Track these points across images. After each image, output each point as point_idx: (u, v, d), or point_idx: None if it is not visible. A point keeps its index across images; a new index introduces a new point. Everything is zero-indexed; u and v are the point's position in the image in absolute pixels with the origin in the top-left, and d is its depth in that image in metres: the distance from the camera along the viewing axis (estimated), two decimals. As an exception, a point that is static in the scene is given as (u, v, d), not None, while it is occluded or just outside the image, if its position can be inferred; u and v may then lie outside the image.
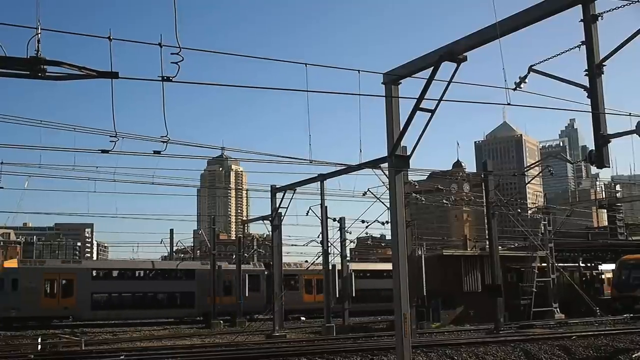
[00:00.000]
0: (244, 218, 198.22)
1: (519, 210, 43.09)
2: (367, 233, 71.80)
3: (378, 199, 31.17)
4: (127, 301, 43.36)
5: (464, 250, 48.93)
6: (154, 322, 42.69)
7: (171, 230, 57.57)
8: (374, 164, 19.02)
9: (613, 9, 12.58)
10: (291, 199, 30.68)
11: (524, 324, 32.26)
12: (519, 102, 14.55)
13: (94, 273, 43.60)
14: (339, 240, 37.00)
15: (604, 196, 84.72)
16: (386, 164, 16.70)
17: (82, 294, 41.31)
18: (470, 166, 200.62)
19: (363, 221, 35.57)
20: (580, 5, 12.55)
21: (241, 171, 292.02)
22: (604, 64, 12.56)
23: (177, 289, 44.79)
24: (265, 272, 45.96)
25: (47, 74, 8.85)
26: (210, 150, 47.28)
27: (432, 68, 14.28)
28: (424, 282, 32.49)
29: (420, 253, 34.86)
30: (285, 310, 42.99)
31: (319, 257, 33.53)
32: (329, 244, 32.86)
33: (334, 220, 36.63)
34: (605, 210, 62.98)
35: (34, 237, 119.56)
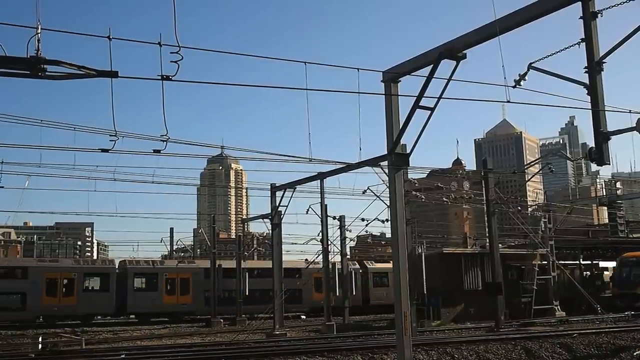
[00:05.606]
0: (244, 217, 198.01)
1: (519, 207, 43.01)
2: (367, 231, 71.82)
3: (378, 197, 31.09)
4: None
5: (464, 248, 48.88)
6: (154, 320, 42.26)
7: (171, 229, 57.61)
8: (374, 162, 19.03)
9: (613, 6, 12.58)
10: (291, 197, 30.64)
11: (525, 322, 32.27)
12: (518, 99, 14.62)
13: None
14: (339, 238, 37.03)
15: (604, 193, 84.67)
16: (386, 162, 16.69)
17: None
18: (470, 164, 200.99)
19: (363, 219, 35.51)
20: (580, 2, 12.53)
21: (241, 170, 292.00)
22: (603, 61, 12.54)
23: (3, 290, 39.08)
24: (117, 270, 42.86)
25: (47, 73, 8.86)
26: (210, 149, 47.21)
27: (431, 66, 14.27)
28: (424, 280, 32.49)
29: (420, 251, 34.93)
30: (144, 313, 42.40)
31: (319, 255, 33.54)
32: (329, 243, 32.85)
33: (334, 218, 36.66)
34: (606, 208, 62.81)
35: (35, 236, 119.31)
